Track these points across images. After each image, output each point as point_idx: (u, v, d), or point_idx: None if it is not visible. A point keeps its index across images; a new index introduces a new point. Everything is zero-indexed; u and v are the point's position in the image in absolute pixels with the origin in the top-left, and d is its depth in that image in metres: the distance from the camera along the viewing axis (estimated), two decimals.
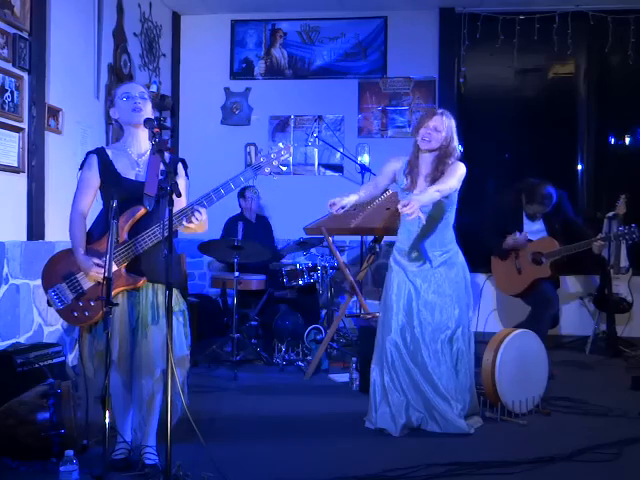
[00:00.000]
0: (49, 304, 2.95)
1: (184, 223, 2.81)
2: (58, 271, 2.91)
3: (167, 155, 2.92)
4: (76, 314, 2.87)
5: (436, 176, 3.46)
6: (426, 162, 3.55)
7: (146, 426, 2.95)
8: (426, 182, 3.51)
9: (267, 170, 2.86)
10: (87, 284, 2.86)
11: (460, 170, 3.46)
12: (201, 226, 2.89)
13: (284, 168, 2.94)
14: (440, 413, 3.46)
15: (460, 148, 3.54)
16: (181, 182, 2.95)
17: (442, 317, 3.53)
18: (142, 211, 2.84)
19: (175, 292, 2.89)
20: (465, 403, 3.54)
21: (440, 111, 3.54)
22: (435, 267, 3.55)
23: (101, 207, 2.97)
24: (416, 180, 3.55)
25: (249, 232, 5.64)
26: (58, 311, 2.93)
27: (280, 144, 2.89)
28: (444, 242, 3.59)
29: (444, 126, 3.46)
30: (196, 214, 2.79)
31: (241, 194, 6.12)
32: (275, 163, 2.85)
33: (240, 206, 6.20)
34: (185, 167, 3.06)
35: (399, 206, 3.16)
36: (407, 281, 3.56)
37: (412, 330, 3.52)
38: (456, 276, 3.58)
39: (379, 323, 3.67)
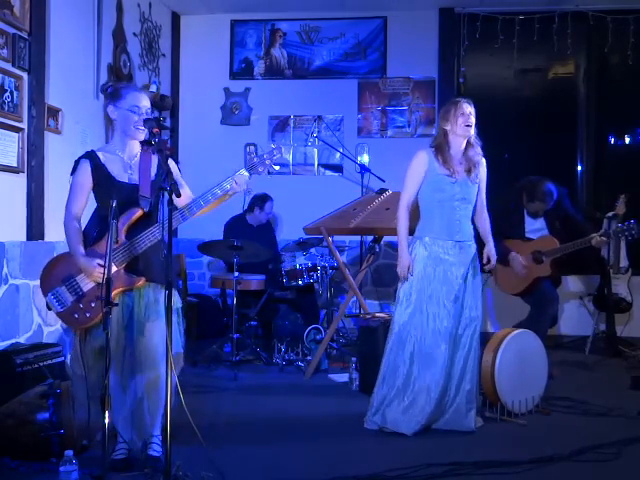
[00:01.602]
0: (48, 308, 2.96)
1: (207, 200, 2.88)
2: (57, 274, 2.91)
3: (156, 157, 2.95)
4: (77, 316, 2.88)
5: (471, 161, 3.54)
6: (458, 149, 3.56)
7: (152, 417, 2.95)
8: (465, 171, 3.53)
9: (260, 169, 2.96)
10: (87, 286, 2.87)
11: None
12: (221, 200, 2.94)
13: (277, 167, 3.02)
14: (458, 411, 3.48)
15: None
16: (172, 165, 2.98)
17: (472, 308, 3.53)
18: (139, 213, 2.85)
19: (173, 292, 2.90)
20: (477, 401, 3.57)
21: (464, 99, 3.58)
22: (471, 257, 3.56)
23: (92, 210, 2.98)
24: (455, 169, 3.53)
25: (249, 237, 5.63)
26: (58, 314, 2.93)
27: (272, 145, 2.98)
28: (472, 232, 3.62)
29: (473, 110, 3.53)
30: (236, 178, 2.89)
31: (260, 205, 5.99)
32: (268, 162, 2.95)
33: (248, 208, 6.09)
34: (175, 161, 3.09)
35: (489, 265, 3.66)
36: (449, 272, 3.52)
37: (451, 324, 3.49)
38: (478, 268, 3.61)
39: (411, 317, 3.52)
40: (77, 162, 2.96)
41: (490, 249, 3.71)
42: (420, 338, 3.50)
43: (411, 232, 3.65)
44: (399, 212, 3.60)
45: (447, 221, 3.54)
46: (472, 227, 3.64)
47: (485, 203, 3.73)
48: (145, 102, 2.95)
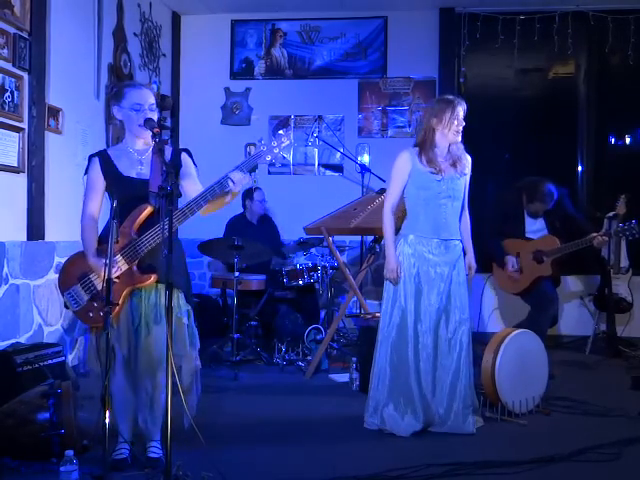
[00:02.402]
0: (66, 306, 2.99)
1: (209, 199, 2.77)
2: (73, 273, 2.93)
3: (170, 149, 2.94)
4: (91, 314, 2.90)
5: (456, 158, 3.49)
6: (442, 146, 3.52)
7: (151, 423, 2.97)
8: (451, 167, 3.49)
9: (268, 158, 2.83)
10: (100, 284, 2.86)
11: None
12: (223, 199, 2.81)
13: (286, 155, 2.92)
14: (456, 417, 3.45)
15: None
16: (190, 168, 2.99)
17: (460, 310, 3.50)
18: (148, 209, 2.84)
19: (179, 293, 2.90)
20: (474, 402, 3.56)
21: (458, 100, 3.51)
22: (457, 256, 3.53)
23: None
24: (440, 166, 3.47)
25: (252, 235, 5.64)
26: (74, 312, 2.96)
27: (280, 131, 2.87)
28: (458, 230, 3.58)
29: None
30: (232, 177, 2.72)
31: (250, 196, 6.02)
32: (276, 150, 2.82)
33: (244, 206, 6.15)
34: (190, 155, 3.06)
35: (471, 274, 3.64)
36: (434, 271, 3.48)
37: (436, 324, 3.46)
38: (463, 268, 3.58)
39: (396, 317, 3.49)
40: (88, 161, 2.97)
41: (470, 259, 3.67)
42: (404, 341, 3.46)
43: (398, 231, 3.61)
44: (384, 215, 3.55)
45: (433, 219, 3.49)
46: (457, 227, 3.58)
47: (467, 203, 3.66)
48: (148, 98, 2.93)
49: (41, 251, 4.39)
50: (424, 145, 3.50)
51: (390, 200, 3.55)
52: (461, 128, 3.47)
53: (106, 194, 2.98)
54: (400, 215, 3.61)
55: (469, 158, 3.60)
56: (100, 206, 2.98)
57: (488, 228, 5.34)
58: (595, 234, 4.84)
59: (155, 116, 2.91)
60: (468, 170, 3.59)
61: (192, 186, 2.95)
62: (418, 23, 6.70)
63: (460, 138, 3.50)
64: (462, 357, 3.48)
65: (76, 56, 5.01)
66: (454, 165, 3.49)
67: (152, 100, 2.95)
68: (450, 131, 3.45)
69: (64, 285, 2.96)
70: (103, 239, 2.91)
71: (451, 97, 3.54)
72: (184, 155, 3.03)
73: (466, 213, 3.68)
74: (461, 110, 3.46)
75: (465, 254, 3.64)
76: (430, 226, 3.50)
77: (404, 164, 3.52)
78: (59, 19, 4.68)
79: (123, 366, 2.92)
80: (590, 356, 5.55)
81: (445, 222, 3.50)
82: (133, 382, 2.96)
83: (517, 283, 5.08)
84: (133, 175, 2.92)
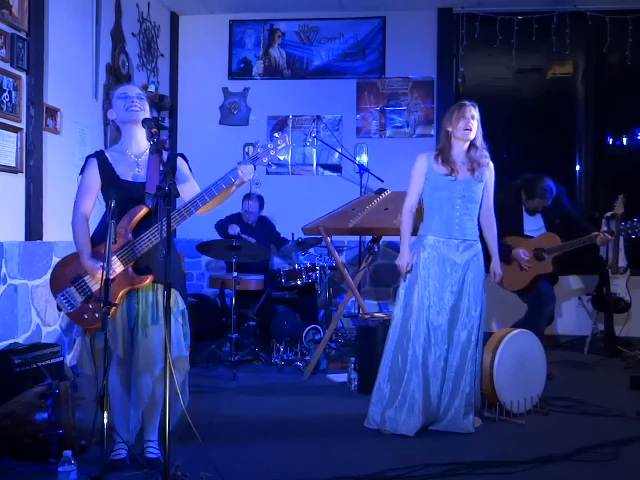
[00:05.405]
0: (59, 309, 2.97)
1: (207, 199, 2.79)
2: (66, 275, 2.92)
3: (165, 153, 2.95)
4: (86, 316, 2.88)
5: (474, 161, 3.53)
6: (461, 151, 3.56)
7: (148, 423, 2.97)
8: (468, 170, 3.54)
9: (265, 160, 2.84)
10: (95, 286, 2.86)
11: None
12: (227, 192, 2.84)
13: (282, 158, 2.93)
14: (456, 414, 3.46)
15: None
16: (186, 172, 3.00)
17: (470, 309, 3.51)
18: (144, 210, 2.84)
19: (175, 293, 2.89)
20: (477, 402, 3.57)
21: (468, 102, 3.57)
22: (471, 257, 3.55)
23: (104, 210, 2.97)
24: (456, 168, 3.53)
25: (248, 233, 5.63)
26: (68, 314, 2.94)
27: (276, 134, 2.87)
28: (475, 232, 3.60)
29: (477, 114, 3.54)
30: (241, 168, 2.75)
31: (244, 199, 6.08)
32: (272, 153, 2.83)
33: (242, 207, 6.16)
34: (185, 160, 3.08)
35: (496, 279, 3.73)
36: (447, 271, 3.51)
37: (447, 323, 3.49)
38: (481, 269, 3.59)
39: (404, 318, 3.53)
40: (85, 161, 2.97)
41: (496, 265, 3.72)
42: (414, 340, 3.48)
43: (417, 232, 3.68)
44: (402, 214, 3.66)
45: (446, 219, 3.54)
46: (477, 226, 3.61)
47: (492, 209, 3.71)
48: (133, 91, 2.99)
49: (39, 251, 4.39)
50: (442, 148, 3.59)
51: (408, 202, 3.65)
52: (470, 126, 3.50)
53: (100, 195, 2.98)
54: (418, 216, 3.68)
55: (492, 165, 3.64)
56: (93, 207, 2.98)
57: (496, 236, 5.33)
58: (598, 232, 4.83)
59: (145, 105, 2.96)
60: (489, 176, 3.63)
61: (191, 189, 2.97)
62: (416, 23, 6.71)
63: (472, 136, 3.53)
64: (468, 355, 3.49)
65: (74, 56, 5.01)
66: (472, 169, 3.54)
67: (138, 90, 3.01)
68: (458, 130, 3.52)
69: (57, 287, 2.94)
70: (95, 241, 2.91)
71: (464, 101, 3.61)
72: (179, 160, 3.04)
73: (492, 218, 3.72)
74: (469, 109, 3.52)
75: (484, 257, 3.65)
76: (443, 226, 3.55)
77: (420, 166, 3.61)
78: (57, 19, 4.68)
79: (118, 367, 2.91)
80: (588, 356, 5.56)
81: (458, 222, 3.54)
82: (128, 382, 2.95)
83: (517, 280, 5.07)
84: (129, 178, 2.92)
